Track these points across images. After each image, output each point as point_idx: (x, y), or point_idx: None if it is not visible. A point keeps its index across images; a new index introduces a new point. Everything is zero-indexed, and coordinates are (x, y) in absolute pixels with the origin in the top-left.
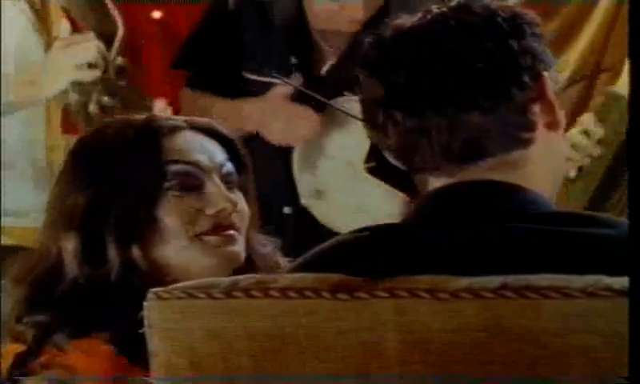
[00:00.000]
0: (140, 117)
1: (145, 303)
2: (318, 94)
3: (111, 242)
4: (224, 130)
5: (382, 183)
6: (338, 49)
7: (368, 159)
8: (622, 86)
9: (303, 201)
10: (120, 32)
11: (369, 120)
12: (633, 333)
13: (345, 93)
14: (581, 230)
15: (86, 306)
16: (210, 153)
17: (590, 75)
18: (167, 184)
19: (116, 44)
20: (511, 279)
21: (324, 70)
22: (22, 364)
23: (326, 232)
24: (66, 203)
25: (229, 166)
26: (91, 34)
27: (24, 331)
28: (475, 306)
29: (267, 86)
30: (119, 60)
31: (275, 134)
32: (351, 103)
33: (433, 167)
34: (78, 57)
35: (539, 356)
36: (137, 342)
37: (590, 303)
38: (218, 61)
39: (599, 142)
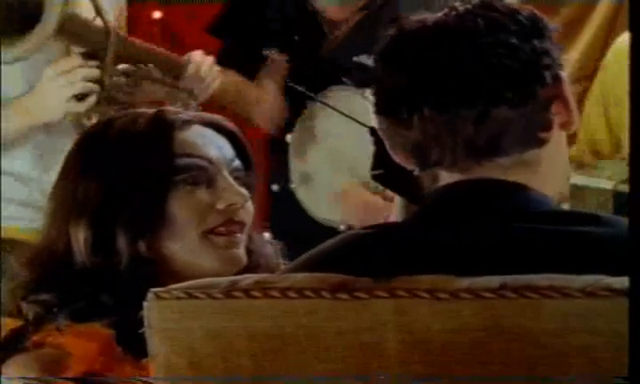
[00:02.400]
0: (149, 110)
1: (144, 303)
2: (317, 75)
3: (121, 233)
4: (231, 126)
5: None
6: (338, 35)
7: (374, 166)
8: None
9: (293, 185)
10: (112, 40)
11: (388, 113)
12: (633, 333)
13: (343, 80)
14: (582, 229)
15: (93, 293)
16: (220, 148)
17: (590, 75)
18: (179, 177)
19: (109, 54)
20: (511, 279)
21: (324, 53)
22: (14, 340)
23: (307, 217)
24: (77, 192)
25: (237, 163)
26: (78, 60)
27: (26, 309)
28: (475, 306)
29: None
30: (118, 71)
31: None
32: (347, 92)
33: (450, 162)
34: (65, 90)
35: (539, 356)
36: (136, 334)
37: (590, 303)
38: (245, 34)
39: None
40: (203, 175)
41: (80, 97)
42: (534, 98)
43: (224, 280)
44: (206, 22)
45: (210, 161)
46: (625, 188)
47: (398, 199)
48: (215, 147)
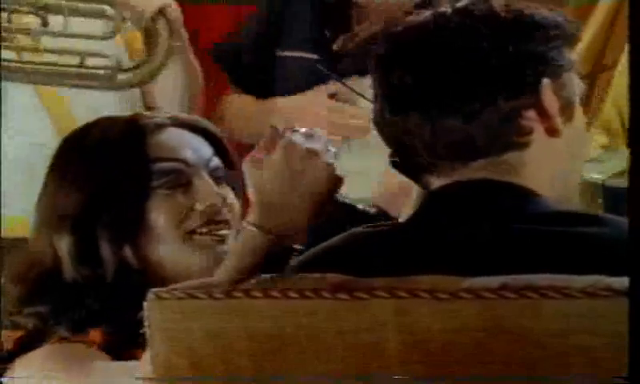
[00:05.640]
0: (123, 116)
1: (145, 303)
2: (336, 68)
3: (104, 242)
4: (209, 125)
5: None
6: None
7: (392, 153)
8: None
9: None
10: None
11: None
12: (633, 333)
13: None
14: (582, 230)
15: (87, 304)
16: (197, 148)
17: (590, 75)
18: (155, 182)
19: None
20: (511, 279)
21: (338, 45)
22: (27, 345)
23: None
24: (57, 204)
25: (216, 161)
26: None
27: (25, 322)
28: (475, 307)
29: (307, 85)
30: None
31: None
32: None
33: (427, 166)
34: None
35: (539, 356)
36: (127, 341)
37: (591, 303)
38: (255, 51)
39: None
40: (180, 178)
41: None
42: (494, 108)
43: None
44: (207, 22)
45: (186, 163)
46: (614, 182)
47: (415, 188)
48: (191, 148)
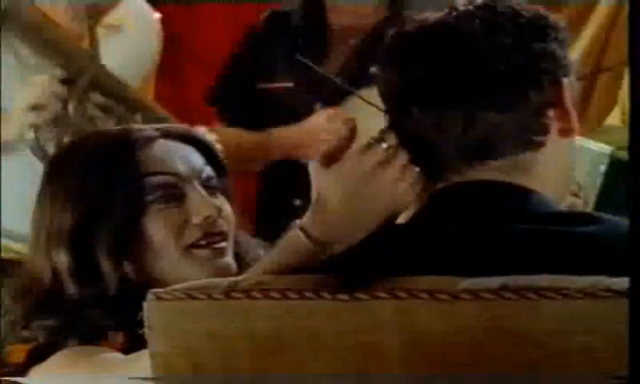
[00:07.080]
0: (112, 129)
1: (145, 304)
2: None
3: (104, 258)
4: (200, 135)
5: None
6: (350, 47)
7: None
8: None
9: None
10: (92, 64)
11: (388, 113)
12: (633, 333)
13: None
14: (582, 229)
15: (90, 317)
16: (188, 159)
17: (590, 75)
18: (149, 197)
19: (83, 82)
20: (511, 280)
21: (333, 71)
22: (39, 357)
23: None
24: (53, 222)
25: (208, 171)
26: (45, 77)
27: (34, 335)
28: (475, 307)
29: (307, 111)
30: (89, 99)
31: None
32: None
33: (443, 164)
34: (25, 100)
35: (539, 356)
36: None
37: (590, 304)
38: (245, 90)
39: None
40: (174, 191)
41: (32, 108)
42: (526, 103)
43: (224, 281)
44: (206, 22)
45: (178, 175)
46: (622, 154)
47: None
48: (182, 160)
